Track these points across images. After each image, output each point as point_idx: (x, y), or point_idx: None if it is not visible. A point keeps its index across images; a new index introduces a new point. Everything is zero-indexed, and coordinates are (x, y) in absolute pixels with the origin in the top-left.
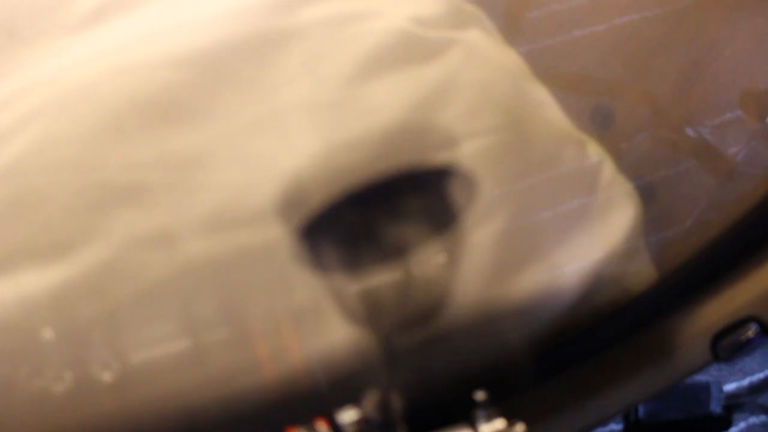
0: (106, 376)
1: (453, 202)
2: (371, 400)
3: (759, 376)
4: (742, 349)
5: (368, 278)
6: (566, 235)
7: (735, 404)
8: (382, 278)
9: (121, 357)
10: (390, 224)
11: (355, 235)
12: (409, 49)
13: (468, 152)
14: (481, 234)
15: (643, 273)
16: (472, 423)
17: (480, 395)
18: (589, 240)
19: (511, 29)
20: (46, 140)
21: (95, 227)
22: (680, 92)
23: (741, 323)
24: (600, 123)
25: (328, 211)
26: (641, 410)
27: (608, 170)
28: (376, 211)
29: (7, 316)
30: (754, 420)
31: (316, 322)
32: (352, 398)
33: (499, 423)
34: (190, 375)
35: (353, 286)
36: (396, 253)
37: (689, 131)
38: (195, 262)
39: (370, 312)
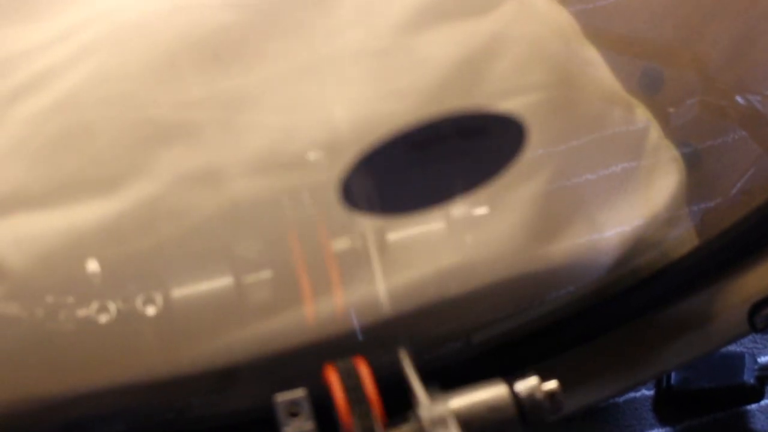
0: (150, 311)
1: (502, 151)
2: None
3: None
4: None
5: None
6: (609, 198)
7: None
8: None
9: (166, 292)
10: (436, 169)
11: (400, 179)
12: (460, 2)
13: (516, 107)
14: (524, 191)
15: (684, 239)
16: (506, 378)
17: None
18: (632, 204)
19: None
20: (98, 75)
21: (144, 163)
22: (731, 59)
23: None
24: (648, 86)
25: (375, 153)
26: (673, 377)
27: (655, 134)
28: (424, 154)
29: (57, 246)
30: None
31: (360, 267)
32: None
33: (533, 379)
34: (232, 314)
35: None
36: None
37: (739, 99)
38: (241, 202)
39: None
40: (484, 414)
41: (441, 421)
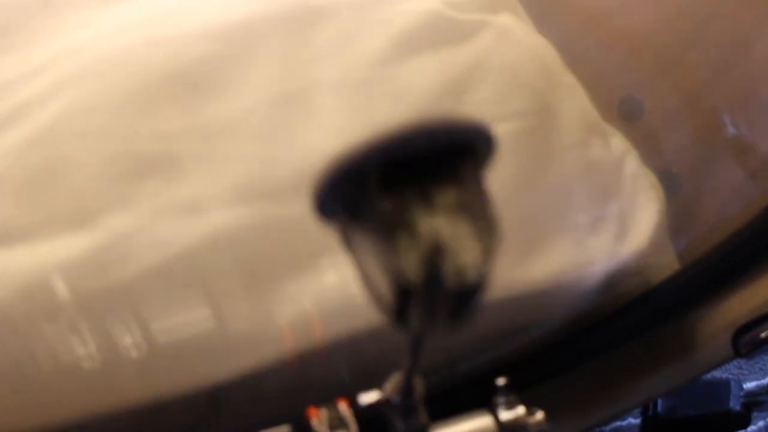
0: (130, 346)
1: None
2: (394, 383)
3: None
4: (764, 345)
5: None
6: (589, 224)
7: (754, 402)
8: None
9: (146, 326)
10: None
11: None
12: (440, 31)
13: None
14: (502, 216)
15: (665, 265)
16: (491, 408)
17: (501, 381)
18: (612, 231)
19: (542, 17)
20: (77, 108)
21: (124, 195)
22: (710, 87)
23: (763, 319)
24: (629, 114)
25: (349, 164)
26: (660, 405)
27: (633, 162)
28: (401, 174)
29: (33, 282)
30: None
31: (341, 300)
32: (373, 381)
33: (519, 409)
34: (213, 347)
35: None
36: (425, 227)
37: (718, 125)
38: (221, 233)
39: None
40: None
41: None
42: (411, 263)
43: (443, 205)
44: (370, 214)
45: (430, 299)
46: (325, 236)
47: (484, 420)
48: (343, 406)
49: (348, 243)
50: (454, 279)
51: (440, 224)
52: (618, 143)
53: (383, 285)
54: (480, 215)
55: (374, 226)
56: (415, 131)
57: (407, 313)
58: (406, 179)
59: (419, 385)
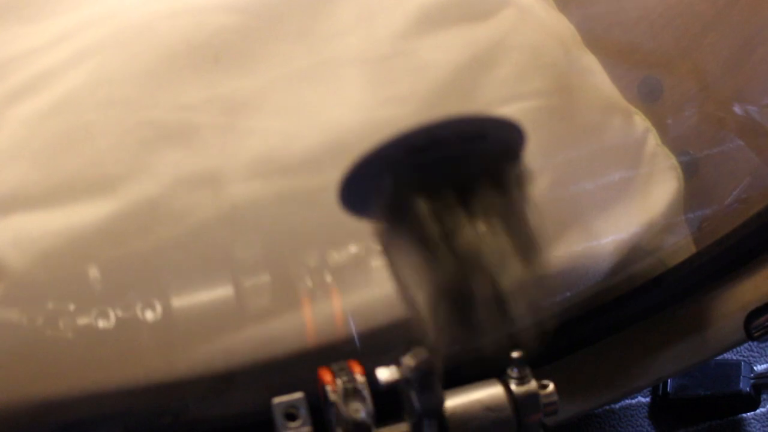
0: (148, 314)
1: (503, 154)
2: (410, 360)
3: None
4: None
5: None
6: (606, 205)
7: (764, 384)
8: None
9: (163, 298)
10: (437, 176)
11: (402, 187)
12: (461, 8)
13: (514, 113)
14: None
15: (681, 247)
16: (503, 378)
17: (516, 353)
18: (629, 211)
19: None
20: (99, 77)
21: (143, 165)
22: (730, 70)
23: None
24: (647, 95)
25: (375, 155)
26: (670, 385)
27: (653, 143)
28: (424, 159)
29: (55, 246)
30: None
31: (359, 273)
32: (388, 349)
33: (531, 381)
34: (230, 318)
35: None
36: (464, 232)
37: (736, 109)
38: (239, 206)
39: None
40: (480, 413)
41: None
42: (447, 268)
43: (481, 209)
44: (406, 215)
45: (460, 306)
46: (343, 208)
47: (496, 389)
48: (358, 374)
49: (382, 240)
50: (489, 287)
51: (479, 230)
52: (639, 121)
53: (415, 285)
54: (519, 221)
55: (410, 228)
56: (449, 125)
57: (437, 316)
58: (443, 179)
59: (438, 365)
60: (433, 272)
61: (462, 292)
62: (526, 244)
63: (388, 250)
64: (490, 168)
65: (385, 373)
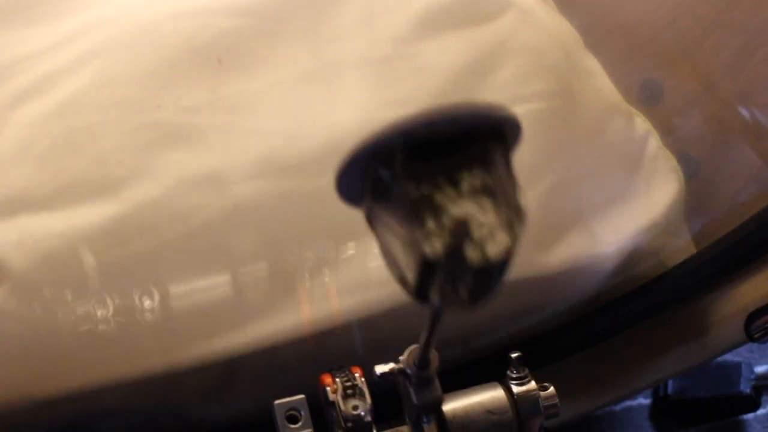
0: (150, 311)
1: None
2: (409, 354)
3: None
4: None
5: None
6: (608, 206)
7: (765, 386)
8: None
9: (165, 296)
10: (436, 168)
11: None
12: (464, 10)
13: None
14: (524, 198)
15: (681, 248)
16: (503, 381)
17: (514, 354)
18: (630, 212)
19: None
20: (103, 79)
21: (147, 166)
22: (731, 72)
23: None
24: (649, 97)
25: (372, 146)
26: (670, 386)
27: (654, 144)
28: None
29: (59, 247)
30: None
31: (358, 272)
32: (389, 354)
33: (531, 383)
34: (231, 318)
35: (404, 245)
36: (451, 207)
37: (737, 111)
38: (241, 205)
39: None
40: (481, 416)
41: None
42: (435, 240)
43: (470, 188)
44: (396, 194)
45: (451, 277)
46: (346, 211)
47: (497, 391)
48: (357, 375)
49: (372, 221)
50: (476, 258)
51: (466, 206)
52: (640, 123)
53: (405, 262)
54: (506, 200)
55: (400, 206)
56: (440, 114)
57: (428, 290)
58: (432, 161)
59: (435, 357)
60: (419, 243)
61: (447, 258)
62: (511, 214)
63: (377, 228)
64: (475, 148)
65: (382, 367)
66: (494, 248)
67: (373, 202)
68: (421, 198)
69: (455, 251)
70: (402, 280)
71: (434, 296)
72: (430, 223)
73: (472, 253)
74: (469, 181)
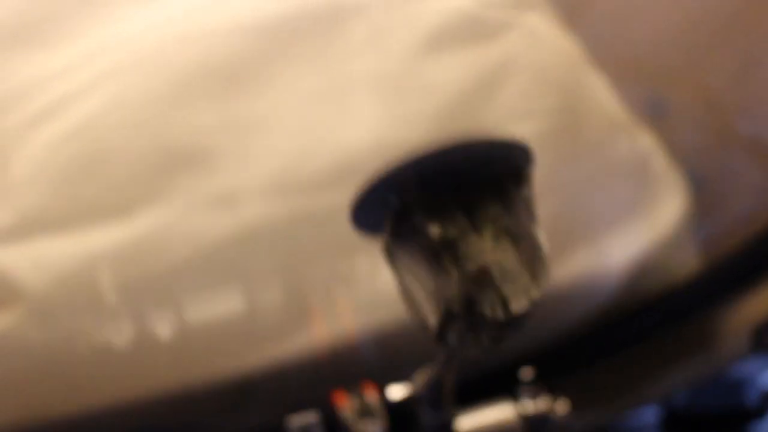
0: (164, 334)
1: (510, 175)
2: (423, 377)
3: None
4: None
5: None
6: (614, 222)
7: None
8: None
9: (179, 317)
10: (448, 196)
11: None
12: (470, 29)
13: (522, 133)
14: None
15: (688, 263)
16: (516, 397)
17: (526, 372)
18: (637, 228)
19: (570, 16)
20: (115, 102)
21: (160, 188)
22: (736, 87)
23: None
24: (654, 113)
25: (387, 177)
26: (678, 398)
27: (659, 160)
28: (432, 179)
29: (71, 271)
30: None
31: (371, 291)
32: (402, 371)
33: (544, 400)
34: (245, 338)
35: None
36: (471, 250)
37: (742, 126)
38: (254, 226)
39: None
40: None
41: None
42: (455, 287)
43: (492, 231)
44: (414, 233)
45: (471, 324)
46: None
47: (509, 409)
48: (371, 395)
49: (390, 257)
50: (497, 307)
51: (487, 248)
52: (645, 142)
53: (425, 305)
54: (527, 240)
55: (419, 248)
56: (458, 148)
57: (447, 334)
58: (451, 199)
59: (449, 381)
60: (441, 288)
61: (470, 308)
62: (533, 261)
63: (396, 266)
64: (496, 188)
65: (396, 391)
66: (518, 303)
67: (392, 237)
68: (442, 241)
69: (475, 296)
70: (420, 321)
71: (453, 339)
72: (449, 265)
73: (495, 308)
74: (490, 221)
